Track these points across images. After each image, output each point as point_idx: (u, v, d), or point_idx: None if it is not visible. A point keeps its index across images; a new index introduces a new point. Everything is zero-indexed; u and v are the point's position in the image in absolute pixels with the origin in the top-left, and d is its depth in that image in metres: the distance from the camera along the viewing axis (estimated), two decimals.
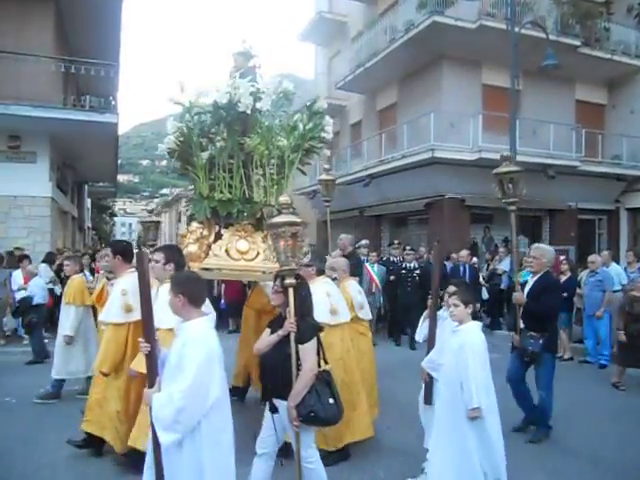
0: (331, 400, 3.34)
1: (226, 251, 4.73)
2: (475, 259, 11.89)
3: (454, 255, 11.29)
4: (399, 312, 10.48)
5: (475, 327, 3.81)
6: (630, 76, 16.92)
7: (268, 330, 3.56)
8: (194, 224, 4.79)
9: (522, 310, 5.20)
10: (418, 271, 10.20)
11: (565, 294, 9.05)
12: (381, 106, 18.75)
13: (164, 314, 3.60)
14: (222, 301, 11.10)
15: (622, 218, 17.53)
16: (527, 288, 5.28)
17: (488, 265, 12.44)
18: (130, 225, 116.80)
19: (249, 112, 4.59)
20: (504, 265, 11.40)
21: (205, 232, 4.77)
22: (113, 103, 15.73)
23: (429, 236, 15.23)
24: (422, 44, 14.65)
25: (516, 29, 11.71)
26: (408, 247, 11.21)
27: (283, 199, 3.63)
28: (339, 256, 7.03)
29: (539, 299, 5.03)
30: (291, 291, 3.38)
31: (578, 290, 9.15)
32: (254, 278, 5.23)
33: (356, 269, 8.13)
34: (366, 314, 5.34)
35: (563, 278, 9.45)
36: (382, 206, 17.54)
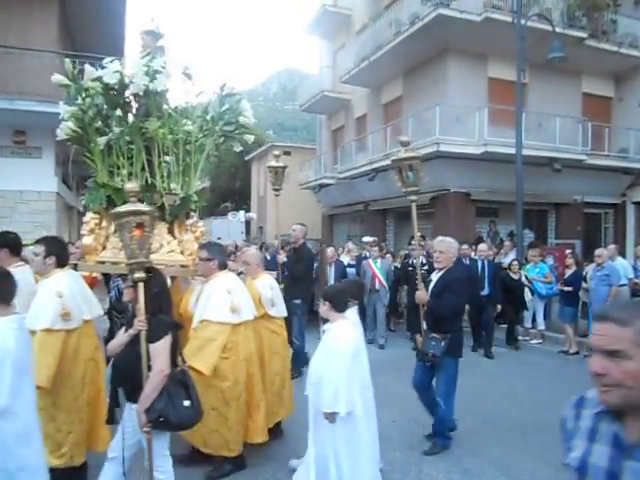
0: (186, 402, 3.12)
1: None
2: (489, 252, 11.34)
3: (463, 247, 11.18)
4: (410, 313, 9.63)
5: (343, 326, 3.59)
6: (637, 69, 16.77)
7: (123, 329, 3.34)
8: (89, 214, 4.42)
9: (425, 310, 4.81)
10: (427, 267, 9.36)
11: (571, 288, 9.07)
12: (386, 100, 18.69)
13: (39, 312, 3.48)
14: None
15: (629, 212, 17.43)
16: (431, 285, 4.84)
17: (493, 259, 12.41)
18: None
19: (141, 93, 4.15)
20: (510, 259, 11.35)
21: (104, 223, 4.41)
22: None
23: (435, 230, 15.20)
24: (427, 37, 14.57)
25: (522, 21, 11.63)
26: (414, 241, 10.44)
27: (130, 186, 3.31)
28: (273, 248, 6.75)
29: (441, 297, 4.62)
30: (140, 286, 3.14)
31: (584, 284, 9.13)
32: None
33: (309, 263, 7.92)
34: (279, 311, 4.95)
35: (569, 272, 9.45)
36: (387, 200, 17.50)
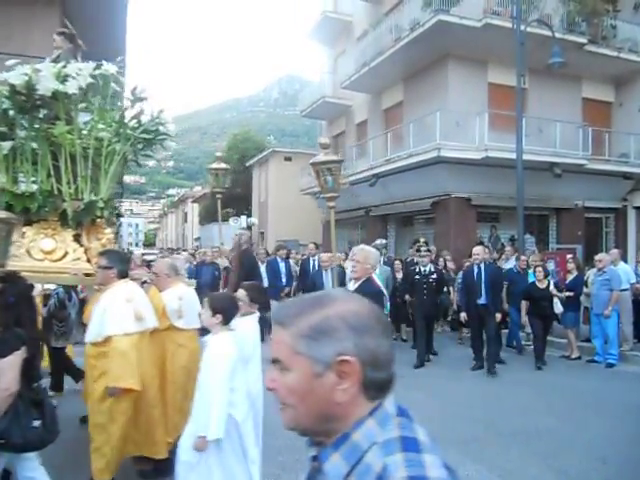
0: (36, 423, 2.91)
1: (27, 251, 4.16)
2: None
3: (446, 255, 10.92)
4: (416, 325, 9.01)
5: (221, 339, 3.29)
6: (637, 73, 16.79)
7: None
8: None
9: None
10: (435, 276, 8.77)
11: (572, 293, 9.05)
12: (387, 105, 18.73)
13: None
14: None
15: (629, 216, 17.41)
16: None
17: (494, 262, 12.40)
18: (137, 225, 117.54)
19: (49, 96, 4.05)
20: (511, 264, 11.35)
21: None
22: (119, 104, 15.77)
23: (436, 235, 15.20)
24: (427, 43, 14.62)
25: (522, 27, 11.67)
26: (423, 247, 9.51)
27: None
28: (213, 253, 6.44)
29: None
30: None
31: (585, 289, 9.12)
32: (61, 281, 4.74)
33: (253, 269, 7.55)
34: (189, 323, 4.51)
35: (570, 277, 9.44)
36: (388, 206, 17.50)
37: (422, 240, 10.45)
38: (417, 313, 8.85)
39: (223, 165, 6.58)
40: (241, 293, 3.87)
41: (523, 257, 10.24)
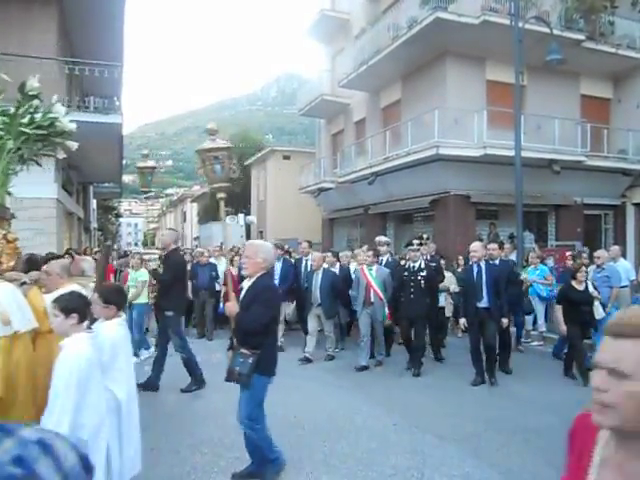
0: None
1: None
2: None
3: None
4: (402, 328, 8.27)
5: (76, 342, 3.05)
6: (635, 70, 16.81)
7: None
8: None
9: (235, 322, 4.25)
10: (424, 273, 7.85)
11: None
12: (385, 103, 18.72)
13: None
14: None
15: (628, 213, 17.43)
16: (241, 295, 4.25)
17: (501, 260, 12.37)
18: (136, 225, 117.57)
19: None
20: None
21: None
22: (117, 104, 15.76)
23: (435, 233, 15.21)
24: (425, 41, 14.62)
25: (520, 24, 11.66)
26: (416, 241, 8.55)
27: None
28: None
29: (249, 309, 4.06)
30: None
31: None
32: None
33: (180, 270, 7.13)
34: None
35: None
36: (387, 203, 17.52)
37: (425, 236, 9.78)
38: (402, 314, 8.00)
39: (150, 163, 6.32)
40: (94, 296, 3.65)
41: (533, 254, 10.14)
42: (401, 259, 10.42)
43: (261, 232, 31.44)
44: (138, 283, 9.02)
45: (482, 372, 7.20)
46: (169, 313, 6.95)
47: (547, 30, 12.23)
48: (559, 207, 16.42)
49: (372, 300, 8.15)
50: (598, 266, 8.73)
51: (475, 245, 7.60)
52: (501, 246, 11.90)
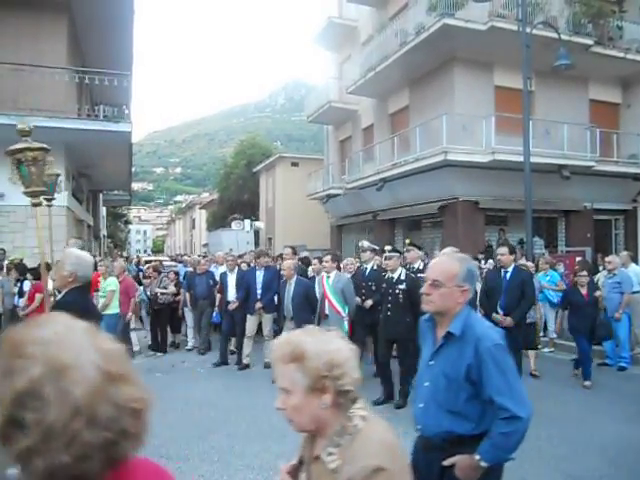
0: None
1: None
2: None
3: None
4: (378, 349, 7.05)
5: None
6: None
7: None
8: None
9: None
10: (403, 285, 6.54)
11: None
12: (393, 110, 18.74)
13: None
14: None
15: (639, 218, 17.31)
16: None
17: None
18: (145, 232, 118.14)
19: None
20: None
21: None
22: (126, 112, 15.90)
23: (443, 239, 15.16)
24: (433, 47, 14.63)
25: (527, 30, 11.64)
26: (388, 247, 8.00)
27: None
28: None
29: None
30: None
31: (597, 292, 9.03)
32: None
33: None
34: None
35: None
36: (396, 210, 17.51)
37: (407, 241, 8.82)
38: (380, 333, 6.84)
39: (36, 144, 4.26)
40: None
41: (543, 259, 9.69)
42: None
43: (270, 239, 31.50)
44: (107, 293, 8.45)
45: None
46: None
47: (555, 35, 12.20)
48: (569, 212, 16.33)
49: (326, 312, 7.08)
50: (609, 272, 8.66)
51: (503, 249, 6.84)
52: (513, 251, 11.66)
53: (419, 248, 8.32)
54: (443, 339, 2.31)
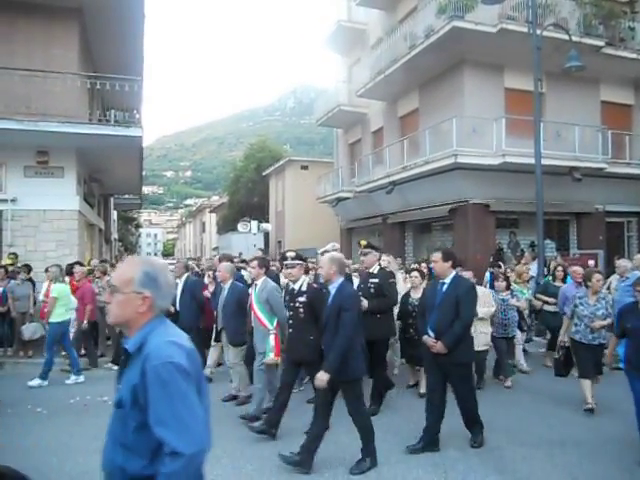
0: None
1: None
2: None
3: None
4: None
5: None
6: None
7: None
8: None
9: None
10: (304, 298, 5.50)
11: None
12: (402, 112, 18.72)
13: None
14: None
15: None
16: None
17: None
18: (155, 235, 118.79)
19: None
20: (532, 270, 11.22)
21: None
22: (137, 117, 15.99)
23: (454, 242, 15.10)
24: (442, 49, 14.60)
25: (538, 31, 11.59)
26: (290, 254, 6.19)
27: None
28: None
29: None
30: None
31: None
32: None
33: None
34: None
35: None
36: (405, 212, 17.46)
37: (363, 243, 7.17)
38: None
39: None
40: None
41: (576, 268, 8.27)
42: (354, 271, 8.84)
43: (279, 242, 31.56)
44: (50, 299, 8.02)
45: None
46: None
47: (566, 37, 12.14)
48: (580, 215, 16.20)
49: (252, 325, 6.22)
50: (621, 275, 8.57)
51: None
52: (522, 255, 11.64)
53: (376, 249, 7.08)
54: (124, 357, 2.02)
